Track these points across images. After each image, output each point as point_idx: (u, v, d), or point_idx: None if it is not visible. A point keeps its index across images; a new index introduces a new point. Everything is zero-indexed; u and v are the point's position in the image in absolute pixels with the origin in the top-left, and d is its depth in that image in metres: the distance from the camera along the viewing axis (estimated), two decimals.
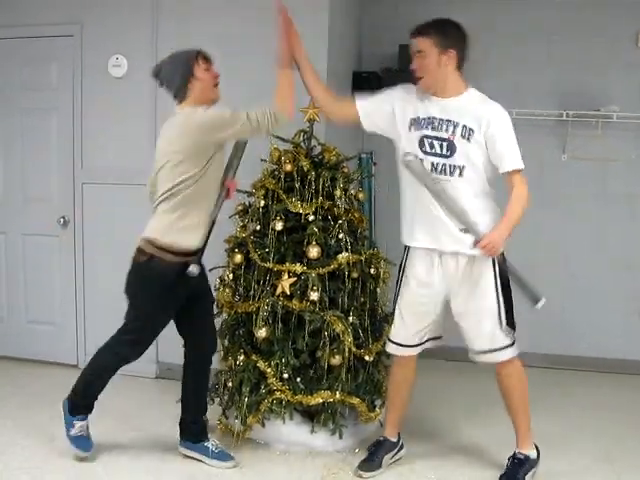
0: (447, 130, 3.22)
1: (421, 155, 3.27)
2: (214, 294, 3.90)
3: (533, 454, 3.50)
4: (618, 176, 5.14)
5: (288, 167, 3.77)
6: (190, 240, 3.36)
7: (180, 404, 3.77)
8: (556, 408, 4.45)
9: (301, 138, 3.94)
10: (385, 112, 3.41)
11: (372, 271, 3.85)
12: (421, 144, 3.27)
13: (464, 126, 3.21)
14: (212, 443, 3.65)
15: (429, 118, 3.27)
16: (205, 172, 3.29)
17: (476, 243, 3.22)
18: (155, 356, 4.79)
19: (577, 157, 5.12)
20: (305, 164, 3.76)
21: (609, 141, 5.06)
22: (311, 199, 3.73)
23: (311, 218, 3.72)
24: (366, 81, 5.08)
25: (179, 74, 3.33)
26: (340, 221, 3.74)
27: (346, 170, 3.93)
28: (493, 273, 3.32)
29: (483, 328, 3.35)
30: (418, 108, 3.32)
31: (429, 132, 3.26)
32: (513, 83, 5.00)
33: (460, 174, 3.23)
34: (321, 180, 3.73)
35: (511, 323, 3.36)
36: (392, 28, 5.24)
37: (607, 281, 5.22)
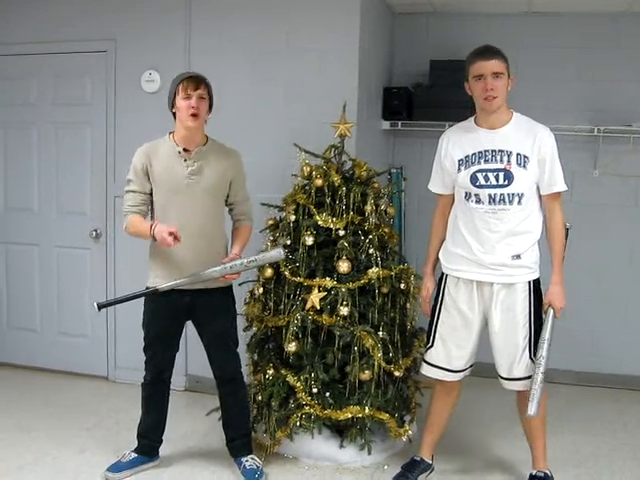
0: (502, 160, 3.22)
1: (475, 190, 3.26)
2: (243, 308, 3.92)
3: (549, 472, 3.51)
4: None
5: (319, 182, 3.79)
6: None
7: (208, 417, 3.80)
8: (588, 426, 4.39)
9: (332, 153, 3.94)
10: (450, 178, 3.41)
11: (402, 286, 3.83)
12: (473, 180, 3.26)
13: (518, 154, 3.21)
14: (248, 459, 3.64)
15: (480, 152, 3.26)
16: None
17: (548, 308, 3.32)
18: (184, 369, 4.80)
19: (608, 173, 5.08)
20: (336, 179, 3.77)
21: None
22: (342, 214, 3.74)
23: (341, 233, 3.72)
24: (397, 97, 5.09)
25: (168, 99, 3.44)
26: (370, 236, 3.74)
27: (377, 185, 3.94)
28: (528, 303, 3.31)
29: (510, 355, 3.34)
30: (465, 146, 3.32)
31: (482, 166, 3.25)
32: (544, 99, 4.98)
33: (519, 202, 3.23)
34: (352, 195, 3.74)
35: (536, 354, 3.31)
36: (423, 44, 5.26)
37: (636, 298, 5.15)
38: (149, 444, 3.70)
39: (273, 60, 4.47)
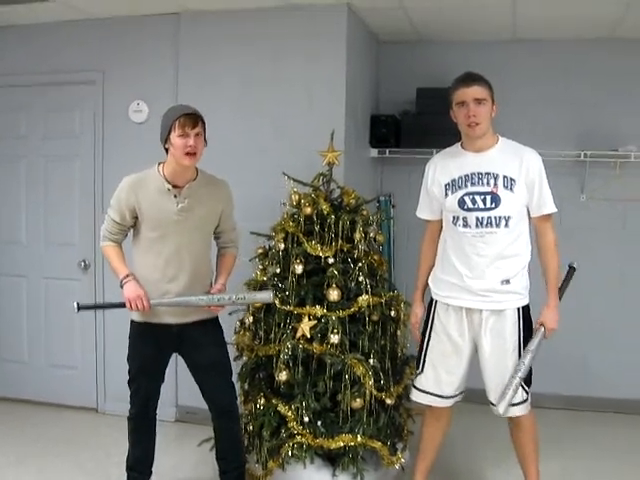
0: (488, 183, 3.23)
1: (463, 214, 3.28)
2: (233, 337, 3.90)
3: None
4: (637, 216, 5.11)
5: (308, 210, 3.79)
6: None
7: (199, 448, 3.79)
8: (575, 451, 4.38)
9: (320, 181, 3.95)
10: (438, 204, 3.44)
11: (392, 313, 3.83)
12: (461, 203, 3.27)
13: (505, 177, 3.22)
14: None
15: (466, 175, 3.28)
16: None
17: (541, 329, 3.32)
18: (174, 400, 4.77)
19: (596, 197, 5.11)
20: (324, 207, 3.77)
21: (628, 181, 5.04)
22: (331, 242, 3.74)
23: (331, 261, 3.72)
24: (384, 124, 5.12)
25: (162, 133, 3.34)
26: (360, 264, 3.74)
27: (365, 213, 3.94)
28: (517, 329, 3.31)
29: (500, 381, 3.32)
30: (452, 170, 3.34)
31: (469, 189, 3.27)
32: (530, 125, 5.02)
33: (506, 225, 3.24)
34: (340, 223, 3.74)
35: (528, 380, 3.32)
36: (409, 72, 5.30)
37: (626, 322, 5.16)
38: (138, 477, 3.65)
39: (261, 90, 4.50)
